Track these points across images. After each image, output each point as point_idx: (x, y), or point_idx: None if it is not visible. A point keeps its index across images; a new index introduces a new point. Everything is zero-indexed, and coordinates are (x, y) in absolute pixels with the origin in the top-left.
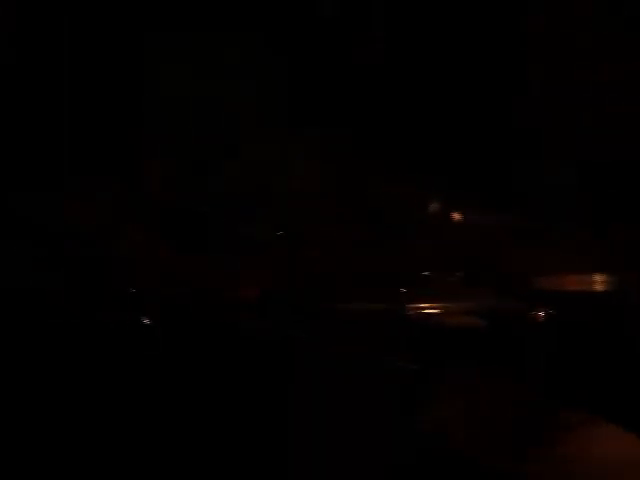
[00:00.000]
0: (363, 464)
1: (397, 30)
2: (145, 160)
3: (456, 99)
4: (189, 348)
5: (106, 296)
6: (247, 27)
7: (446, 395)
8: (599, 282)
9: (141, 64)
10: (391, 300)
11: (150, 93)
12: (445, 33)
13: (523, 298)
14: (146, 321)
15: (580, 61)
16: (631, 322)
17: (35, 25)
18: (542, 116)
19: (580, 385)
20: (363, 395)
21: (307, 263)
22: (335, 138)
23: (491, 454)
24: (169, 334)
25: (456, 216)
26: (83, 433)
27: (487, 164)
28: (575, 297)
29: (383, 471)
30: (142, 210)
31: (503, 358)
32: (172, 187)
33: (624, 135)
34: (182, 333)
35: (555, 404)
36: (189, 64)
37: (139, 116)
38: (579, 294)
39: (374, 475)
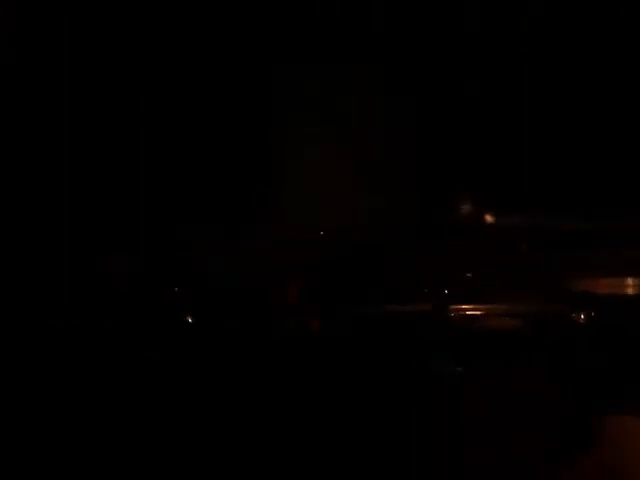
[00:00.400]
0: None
1: None
2: None
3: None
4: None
5: None
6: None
7: (481, 396)
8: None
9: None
10: (435, 301)
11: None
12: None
13: (565, 300)
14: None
15: None
16: None
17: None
18: None
19: (616, 387)
20: (409, 397)
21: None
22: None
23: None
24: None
25: (490, 218)
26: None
27: (525, 165)
28: (615, 300)
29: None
30: None
31: (542, 360)
32: None
33: None
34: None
35: (591, 405)
36: None
37: None
38: (619, 297)
39: None
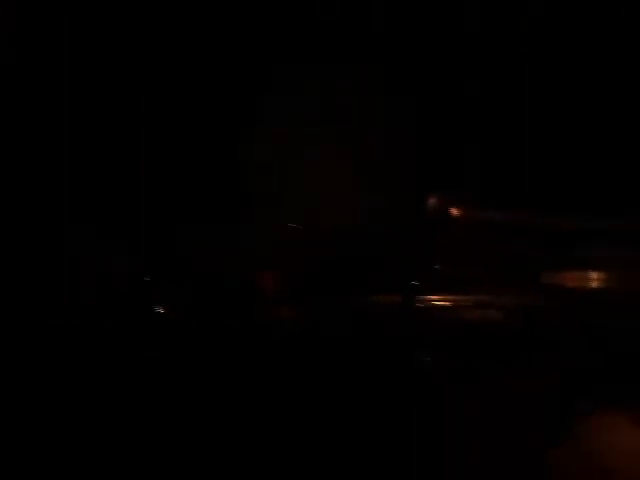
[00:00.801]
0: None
1: None
2: None
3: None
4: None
5: None
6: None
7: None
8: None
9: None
10: (403, 293)
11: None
12: None
13: (544, 293)
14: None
15: None
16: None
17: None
18: None
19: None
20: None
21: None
22: None
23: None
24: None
25: (464, 212)
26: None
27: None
28: (595, 295)
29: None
30: None
31: (520, 352)
32: None
33: None
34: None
35: (576, 399)
36: None
37: None
38: (599, 292)
39: None
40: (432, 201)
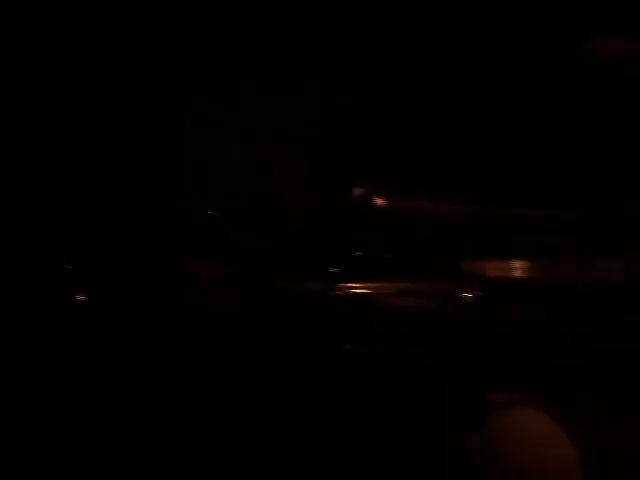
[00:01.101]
0: None
1: None
2: None
3: None
4: None
5: None
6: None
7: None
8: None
9: None
10: (323, 280)
11: None
12: None
13: (456, 280)
14: None
15: None
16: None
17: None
18: None
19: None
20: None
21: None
22: None
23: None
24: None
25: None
26: None
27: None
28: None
29: None
30: None
31: (431, 338)
32: None
33: None
34: None
35: (482, 385)
36: None
37: None
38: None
39: None
40: (358, 191)
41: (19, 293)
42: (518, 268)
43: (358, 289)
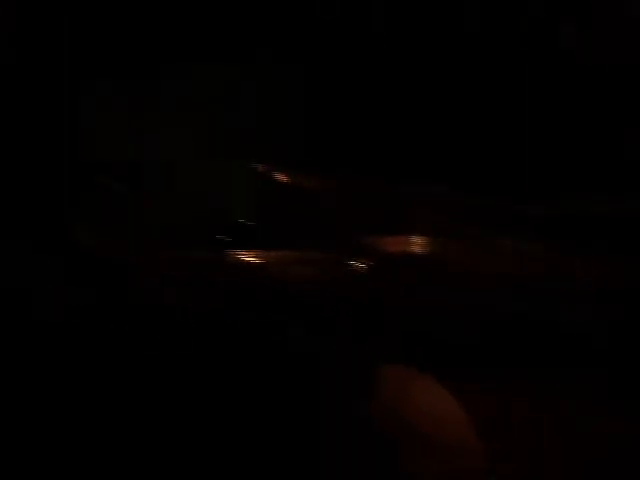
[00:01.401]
0: None
1: None
2: None
3: None
4: None
5: None
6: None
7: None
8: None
9: None
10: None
11: None
12: None
13: (346, 249)
14: None
15: None
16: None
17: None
18: None
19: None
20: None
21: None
22: None
23: None
24: None
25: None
26: None
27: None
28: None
29: None
30: None
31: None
32: None
33: None
34: None
35: (372, 356)
36: None
37: None
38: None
39: None
40: (258, 166)
41: None
42: (416, 244)
43: (247, 257)
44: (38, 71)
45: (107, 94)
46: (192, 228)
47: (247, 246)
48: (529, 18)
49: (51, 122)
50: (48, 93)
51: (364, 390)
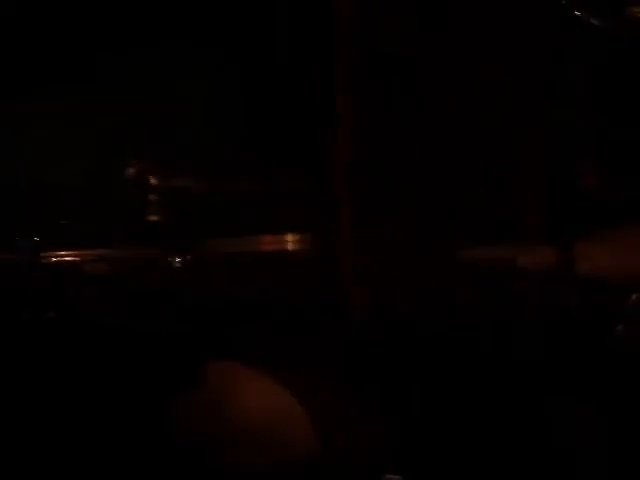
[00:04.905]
0: None
1: None
2: None
3: None
4: None
5: None
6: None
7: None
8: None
9: None
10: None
11: None
12: None
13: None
14: None
15: None
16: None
17: None
18: None
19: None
20: None
21: None
22: None
23: None
24: None
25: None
26: None
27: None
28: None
29: None
30: None
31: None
32: None
33: None
34: None
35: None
36: None
37: None
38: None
39: None
40: (130, 170)
41: None
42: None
43: (63, 257)
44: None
45: None
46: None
47: (66, 246)
48: None
49: None
50: None
51: (186, 386)
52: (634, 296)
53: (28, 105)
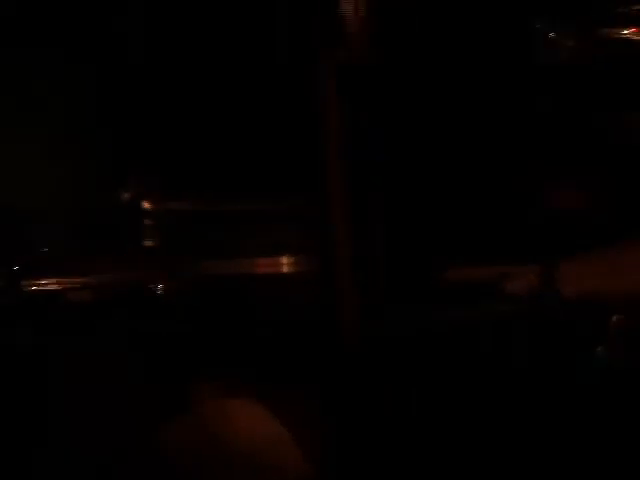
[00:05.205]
0: None
1: None
2: None
3: None
4: None
5: None
6: None
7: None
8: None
9: None
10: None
11: None
12: None
13: (149, 271)
14: None
15: None
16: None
17: None
18: None
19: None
20: None
21: None
22: None
23: None
24: None
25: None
26: None
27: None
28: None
29: None
30: None
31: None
32: None
33: None
34: None
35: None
36: None
37: None
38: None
39: None
40: (125, 195)
41: None
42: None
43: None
44: None
45: None
46: None
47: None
48: None
49: None
50: None
51: (177, 412)
52: (615, 317)
53: None
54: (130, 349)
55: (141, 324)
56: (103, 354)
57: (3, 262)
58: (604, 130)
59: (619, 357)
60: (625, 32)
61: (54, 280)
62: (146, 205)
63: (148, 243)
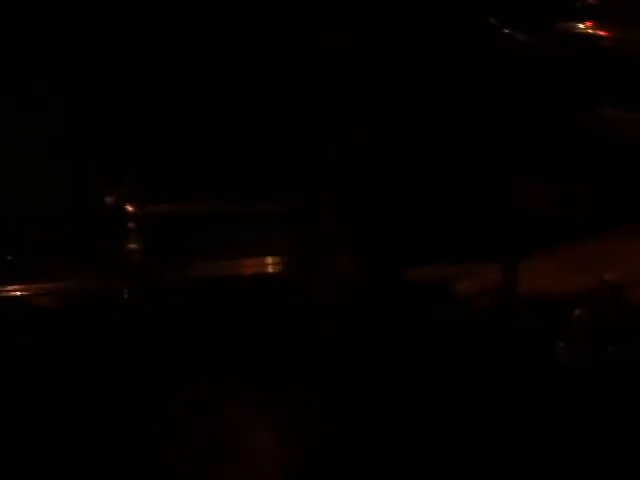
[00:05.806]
0: None
1: None
2: None
3: None
4: None
5: None
6: None
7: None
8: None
9: None
10: None
11: None
12: None
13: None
14: None
15: None
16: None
17: None
18: None
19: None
20: None
21: None
22: None
23: None
24: None
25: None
26: None
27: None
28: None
29: None
30: None
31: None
32: None
33: None
34: None
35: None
36: None
37: None
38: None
39: None
40: (108, 199)
41: None
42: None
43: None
44: None
45: None
46: None
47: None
48: None
49: None
50: None
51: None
52: (577, 312)
53: None
54: (119, 352)
55: (131, 327)
56: (92, 356)
57: None
58: (565, 125)
59: (579, 353)
60: (581, 26)
61: (19, 287)
62: (142, 207)
63: (140, 245)
